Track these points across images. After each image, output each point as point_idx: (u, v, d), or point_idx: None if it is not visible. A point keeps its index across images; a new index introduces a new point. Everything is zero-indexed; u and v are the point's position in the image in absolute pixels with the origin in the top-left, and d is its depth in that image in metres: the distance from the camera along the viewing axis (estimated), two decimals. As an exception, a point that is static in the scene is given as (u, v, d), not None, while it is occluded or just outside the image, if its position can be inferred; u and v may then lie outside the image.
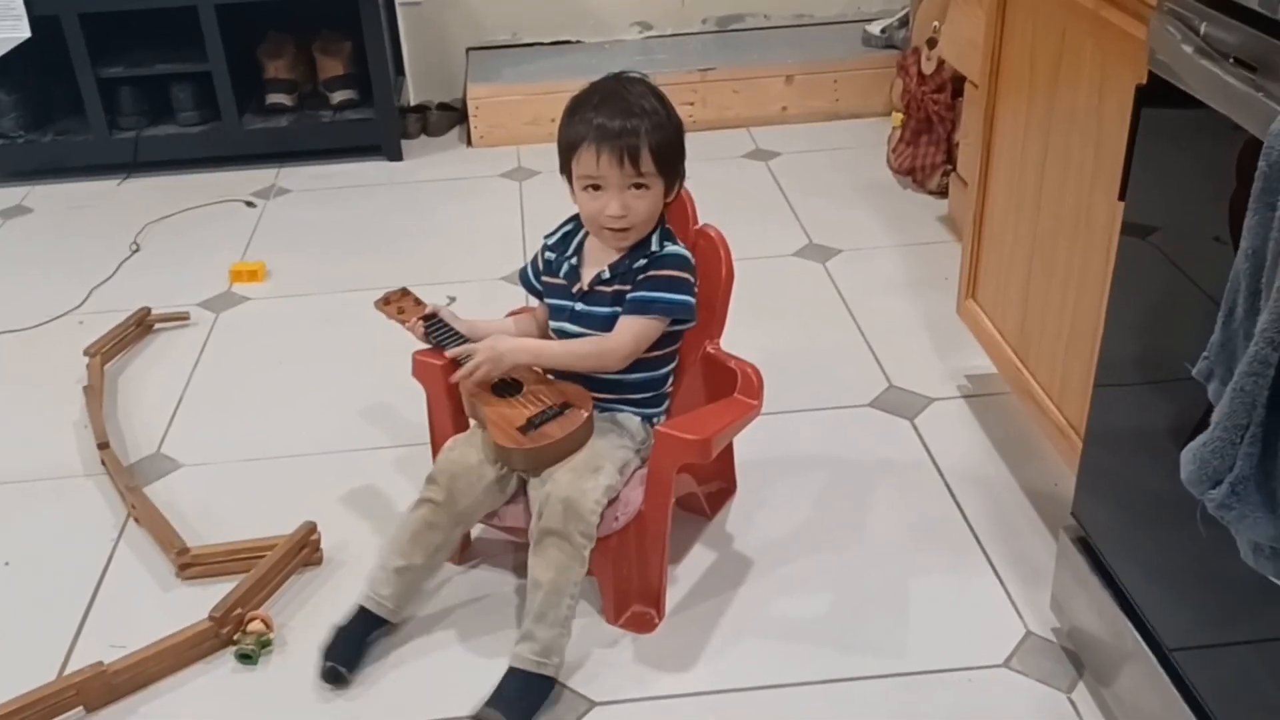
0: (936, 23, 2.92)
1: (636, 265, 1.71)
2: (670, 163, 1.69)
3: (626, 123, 1.63)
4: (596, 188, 1.67)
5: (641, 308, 1.69)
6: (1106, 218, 1.57)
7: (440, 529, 1.68)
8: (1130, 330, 1.44)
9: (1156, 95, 1.33)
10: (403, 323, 1.85)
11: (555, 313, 1.80)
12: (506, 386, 1.74)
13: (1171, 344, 1.33)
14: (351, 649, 1.66)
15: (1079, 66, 1.66)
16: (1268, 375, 1.01)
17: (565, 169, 1.71)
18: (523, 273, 1.88)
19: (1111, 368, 1.50)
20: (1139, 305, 1.42)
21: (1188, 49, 1.22)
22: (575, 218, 1.80)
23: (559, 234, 1.82)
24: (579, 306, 1.76)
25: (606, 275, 1.73)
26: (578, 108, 1.68)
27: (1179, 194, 1.32)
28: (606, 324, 1.72)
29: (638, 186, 1.66)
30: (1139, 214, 1.41)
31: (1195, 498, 1.11)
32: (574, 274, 1.77)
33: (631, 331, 1.69)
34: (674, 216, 1.81)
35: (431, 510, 1.68)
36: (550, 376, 1.78)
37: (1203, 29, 1.20)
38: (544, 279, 1.83)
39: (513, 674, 1.58)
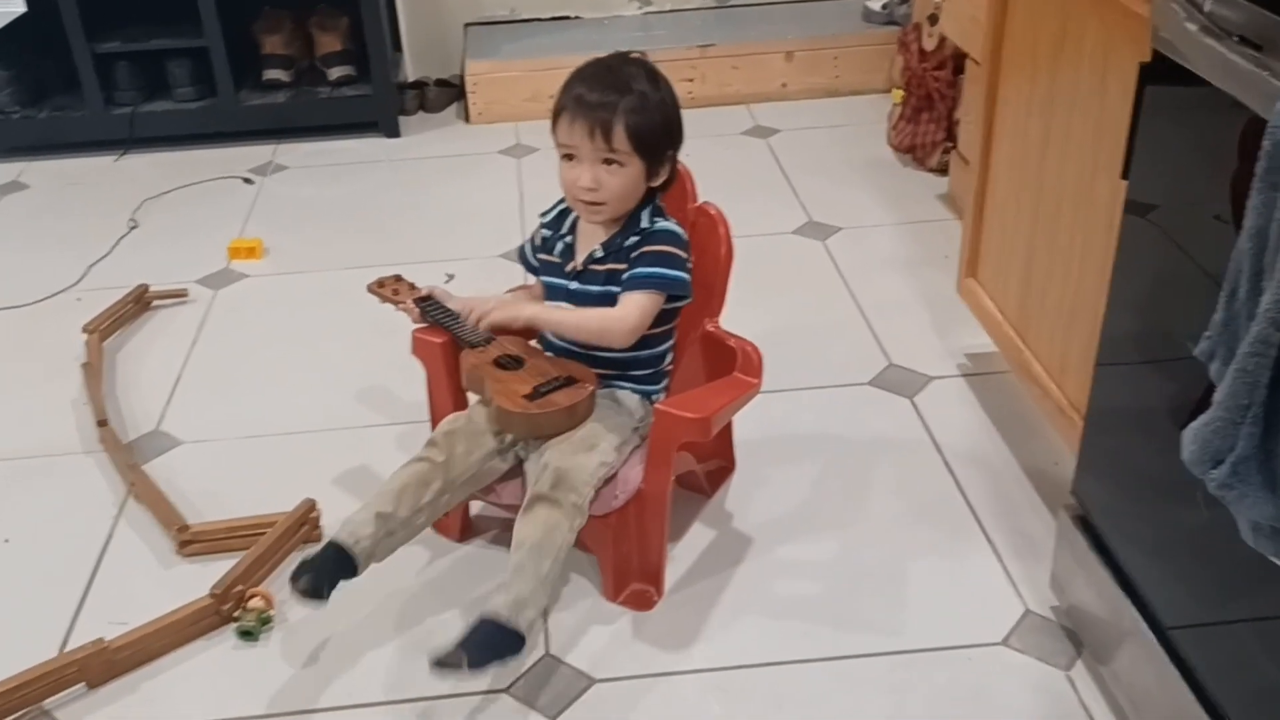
0: (938, -1, 2.90)
1: (628, 243, 1.71)
2: (651, 145, 1.66)
3: (605, 96, 1.63)
4: (572, 157, 1.67)
5: (639, 283, 1.69)
6: (1109, 196, 1.56)
7: (431, 488, 1.64)
8: (1132, 309, 1.44)
9: (1160, 73, 1.32)
10: (397, 305, 1.84)
11: (551, 292, 1.79)
12: (510, 362, 1.74)
13: (1173, 323, 1.32)
14: (323, 582, 1.56)
15: (1082, 44, 1.65)
16: (1270, 355, 1.01)
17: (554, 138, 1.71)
18: (521, 249, 1.88)
19: (1113, 346, 1.49)
20: (1141, 284, 1.41)
21: (1192, 27, 1.22)
22: None
23: (554, 211, 1.82)
24: (573, 286, 1.75)
25: (600, 254, 1.73)
26: (571, 79, 1.69)
27: (1182, 173, 1.31)
28: (601, 303, 1.72)
29: (610, 162, 1.65)
30: (1141, 193, 1.40)
31: (1196, 477, 1.11)
32: (569, 252, 1.77)
33: (637, 305, 1.68)
34: (673, 193, 1.81)
35: (428, 468, 1.65)
36: (550, 355, 1.78)
37: (1207, 6, 1.19)
38: (540, 256, 1.83)
39: (483, 623, 1.51)
